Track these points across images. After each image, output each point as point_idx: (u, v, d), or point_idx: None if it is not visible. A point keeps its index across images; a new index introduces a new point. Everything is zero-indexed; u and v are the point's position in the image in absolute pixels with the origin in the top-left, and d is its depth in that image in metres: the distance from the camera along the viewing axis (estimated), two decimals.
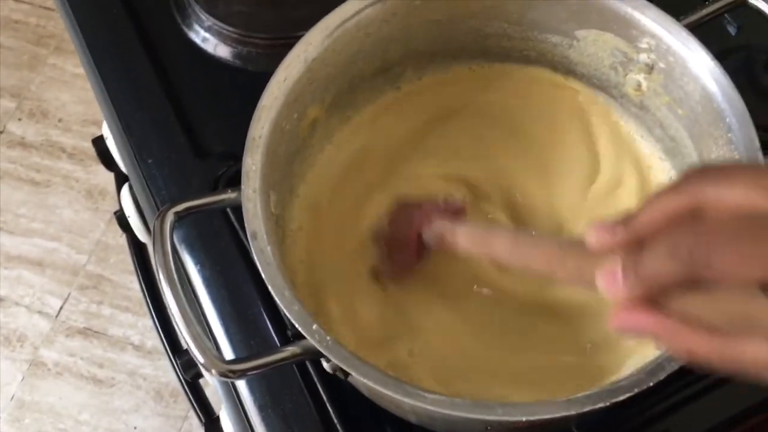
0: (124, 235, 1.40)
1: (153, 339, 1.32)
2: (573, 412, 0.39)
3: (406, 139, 0.57)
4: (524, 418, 0.39)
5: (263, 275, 0.43)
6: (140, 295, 1.33)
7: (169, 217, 0.45)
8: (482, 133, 0.57)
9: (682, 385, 0.52)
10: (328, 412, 0.54)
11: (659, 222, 0.34)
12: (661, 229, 0.33)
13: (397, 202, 0.53)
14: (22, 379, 1.29)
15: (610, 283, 0.34)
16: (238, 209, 0.46)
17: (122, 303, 1.35)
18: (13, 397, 1.28)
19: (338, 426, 0.53)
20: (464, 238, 0.47)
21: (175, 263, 0.44)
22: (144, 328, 1.32)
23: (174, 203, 0.45)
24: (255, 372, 0.42)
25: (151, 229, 0.44)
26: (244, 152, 0.47)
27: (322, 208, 0.54)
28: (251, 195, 0.45)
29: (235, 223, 0.59)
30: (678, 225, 0.33)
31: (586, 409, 0.39)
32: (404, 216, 0.52)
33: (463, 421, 0.43)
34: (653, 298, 0.33)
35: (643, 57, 0.51)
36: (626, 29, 0.51)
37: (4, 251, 1.40)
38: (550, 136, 0.57)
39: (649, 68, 0.52)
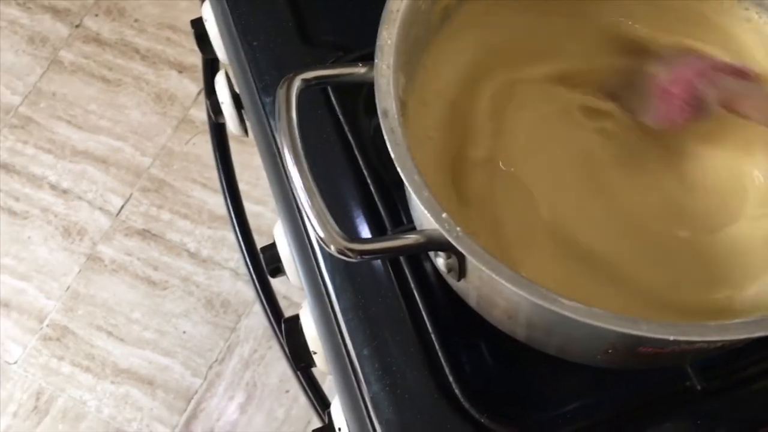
0: (188, 143, 1.40)
1: (208, 248, 1.31)
2: (727, 338, 0.35)
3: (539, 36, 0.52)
4: (672, 338, 0.35)
5: (393, 156, 0.40)
6: (200, 203, 1.33)
7: (296, 83, 0.41)
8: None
9: None
10: (423, 318, 0.51)
11: None
12: None
13: (676, 46, 0.46)
14: (79, 272, 1.30)
15: None
16: (343, 90, 0.42)
17: (182, 210, 1.35)
18: (68, 288, 1.29)
19: (432, 335, 0.50)
20: (759, 104, 0.40)
21: (299, 134, 0.41)
22: (201, 237, 1.32)
23: (302, 69, 0.42)
24: (374, 256, 0.39)
25: (277, 95, 0.41)
26: (380, 24, 0.43)
27: (445, 104, 0.50)
28: (385, 70, 0.42)
29: (336, 105, 0.56)
30: None
31: (742, 336, 0.35)
32: (682, 61, 0.44)
33: (589, 338, 0.40)
34: None
35: None
36: None
37: (70, 145, 1.40)
38: None
39: None
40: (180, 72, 1.46)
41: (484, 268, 0.37)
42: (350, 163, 0.55)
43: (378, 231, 0.53)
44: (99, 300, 1.28)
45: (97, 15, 1.52)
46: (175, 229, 1.33)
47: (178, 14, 1.50)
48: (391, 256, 0.40)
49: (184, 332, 1.26)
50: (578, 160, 0.48)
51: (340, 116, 0.56)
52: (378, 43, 0.43)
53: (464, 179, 0.49)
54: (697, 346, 0.38)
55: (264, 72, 0.61)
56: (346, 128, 0.55)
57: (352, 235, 0.52)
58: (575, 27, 0.52)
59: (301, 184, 0.39)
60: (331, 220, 0.39)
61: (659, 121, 0.46)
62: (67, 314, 1.27)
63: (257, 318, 1.26)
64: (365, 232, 0.53)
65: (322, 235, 0.38)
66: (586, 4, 0.52)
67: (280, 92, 0.42)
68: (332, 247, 0.38)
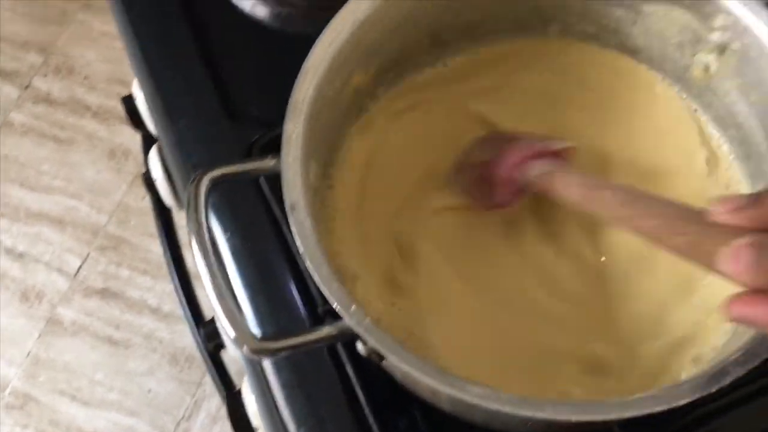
0: (145, 198, 1.39)
1: (170, 303, 1.31)
2: (627, 415, 0.36)
3: (454, 110, 0.54)
4: (574, 419, 0.36)
5: (301, 249, 0.41)
6: (159, 258, 1.32)
7: (205, 183, 0.42)
8: (535, 107, 0.54)
9: (732, 387, 0.50)
10: (357, 395, 0.52)
11: None
12: None
13: (492, 133, 0.50)
14: (39, 337, 1.29)
15: (735, 264, 0.31)
16: (270, 178, 0.44)
17: (141, 265, 1.34)
18: (29, 354, 1.27)
19: (366, 410, 0.51)
20: (568, 183, 0.43)
21: (209, 233, 0.41)
22: (161, 292, 1.31)
23: (209, 168, 0.43)
24: (288, 352, 0.40)
25: (185, 195, 0.42)
26: (286, 116, 0.44)
27: (362, 183, 0.51)
28: (291, 163, 0.43)
29: (267, 192, 0.57)
30: None
31: (642, 412, 0.36)
32: (497, 148, 0.47)
33: (504, 416, 0.41)
34: None
35: (716, 36, 0.48)
36: (699, 5, 0.48)
37: (25, 207, 1.39)
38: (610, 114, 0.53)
39: (722, 49, 0.48)
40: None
41: (392, 359, 0.38)
42: (284, 249, 0.55)
43: (313, 317, 0.53)
44: (60, 364, 1.27)
45: (46, 75, 1.51)
46: (135, 285, 1.33)
47: (127, 69, 1.48)
48: (306, 349, 0.41)
49: (149, 390, 1.25)
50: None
51: (270, 199, 0.56)
52: (284, 135, 0.44)
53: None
54: None
55: (192, 151, 0.61)
56: (277, 214, 0.56)
57: (285, 323, 0.53)
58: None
59: (211, 286, 0.39)
60: (243, 321, 0.39)
61: (490, 205, 0.49)
62: (29, 381, 1.26)
63: (232, 369, 1.26)
64: (300, 318, 0.54)
65: (233, 335, 0.39)
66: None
67: (190, 191, 0.42)
68: (245, 348, 0.39)
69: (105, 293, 1.32)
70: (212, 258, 0.40)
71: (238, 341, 0.39)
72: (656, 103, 0.54)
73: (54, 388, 1.24)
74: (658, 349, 0.46)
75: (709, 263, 0.33)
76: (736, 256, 0.31)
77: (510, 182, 0.47)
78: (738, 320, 0.32)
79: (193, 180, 0.42)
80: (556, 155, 0.47)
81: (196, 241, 0.40)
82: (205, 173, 0.42)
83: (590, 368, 0.45)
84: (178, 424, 1.23)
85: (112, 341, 1.28)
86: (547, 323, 0.47)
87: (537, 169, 0.46)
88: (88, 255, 1.35)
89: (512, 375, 0.46)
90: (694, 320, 0.46)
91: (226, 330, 0.39)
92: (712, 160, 0.51)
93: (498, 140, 0.49)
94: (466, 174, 0.50)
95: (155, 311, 1.31)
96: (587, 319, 0.47)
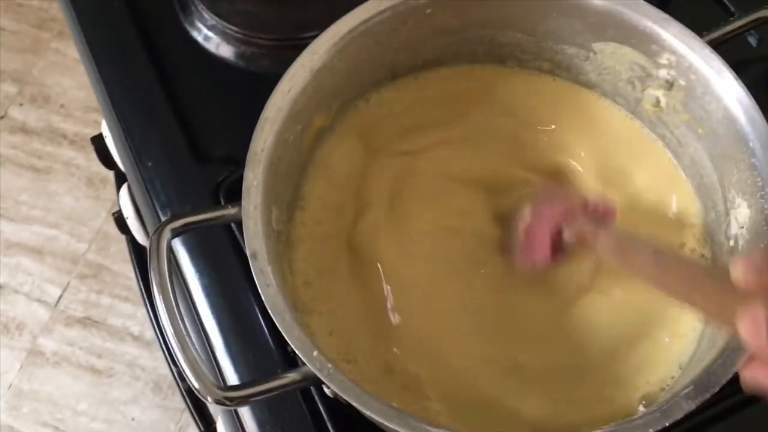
0: None
1: (152, 330, 1.30)
2: None
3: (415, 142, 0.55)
4: None
5: (263, 298, 0.42)
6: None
7: (166, 235, 0.43)
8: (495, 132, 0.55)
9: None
10: None
11: None
12: None
13: (545, 190, 0.51)
14: (20, 368, 1.28)
15: (752, 329, 0.32)
16: (239, 221, 0.44)
17: (122, 293, 1.34)
18: (11, 386, 1.27)
19: None
20: (607, 243, 0.44)
21: (171, 282, 0.42)
22: (143, 319, 1.31)
23: (171, 219, 0.44)
24: (253, 399, 0.41)
25: (148, 245, 0.43)
26: (246, 166, 0.45)
27: (326, 223, 0.52)
28: (252, 212, 0.44)
29: (237, 234, 0.57)
30: None
31: None
32: (548, 207, 0.48)
33: None
34: None
35: (663, 73, 0.49)
36: (646, 44, 0.49)
37: (3, 238, 1.39)
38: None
39: (669, 85, 0.50)
40: None
41: (355, 404, 0.39)
42: (257, 291, 0.56)
43: (286, 358, 0.54)
44: (43, 395, 1.26)
45: (21, 104, 1.51)
46: (117, 313, 1.33)
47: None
48: (271, 395, 0.41)
49: (133, 419, 1.25)
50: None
51: (240, 240, 0.57)
52: (244, 185, 0.44)
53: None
54: None
55: (160, 191, 0.62)
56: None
57: (258, 365, 0.53)
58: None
59: (175, 337, 0.40)
60: (205, 370, 0.40)
61: (525, 264, 0.50)
62: (11, 413, 1.25)
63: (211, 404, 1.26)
64: (273, 359, 0.54)
65: (197, 386, 0.39)
66: None
67: (152, 241, 0.43)
68: (209, 398, 0.39)
69: (86, 322, 1.32)
70: (175, 309, 0.41)
71: (202, 392, 0.39)
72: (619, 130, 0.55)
73: (37, 420, 1.24)
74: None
75: (727, 322, 0.34)
76: (752, 324, 0.32)
77: (552, 239, 0.47)
78: (753, 386, 0.33)
79: (156, 231, 0.43)
80: (603, 215, 0.48)
81: (158, 291, 0.41)
82: (166, 224, 0.43)
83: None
84: None
85: (94, 370, 1.28)
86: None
87: (580, 226, 0.47)
88: (68, 284, 1.35)
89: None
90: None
91: (191, 382, 0.40)
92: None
93: (544, 195, 0.50)
94: (521, 232, 0.50)
95: (137, 339, 1.31)
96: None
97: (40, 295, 1.34)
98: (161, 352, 1.28)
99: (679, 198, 0.53)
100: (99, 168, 1.47)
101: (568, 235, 0.47)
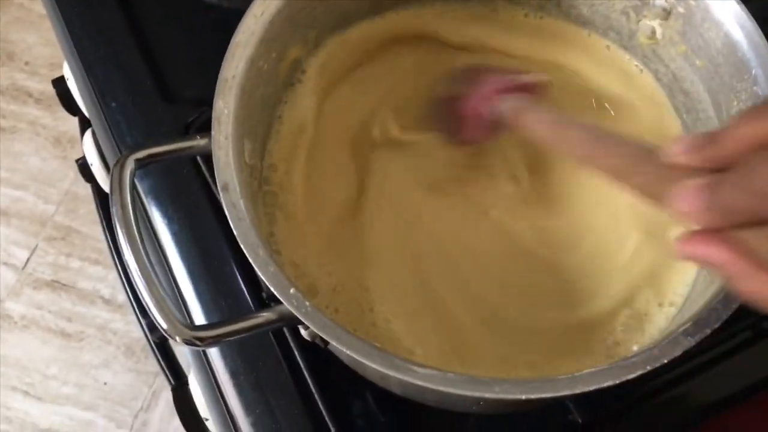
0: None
1: (123, 293, 1.27)
2: (577, 391, 0.35)
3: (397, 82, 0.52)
4: (524, 397, 0.35)
5: (235, 232, 0.39)
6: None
7: (129, 165, 0.40)
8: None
9: (689, 356, 0.49)
10: (306, 380, 0.50)
11: (745, 147, 0.30)
12: (747, 156, 0.30)
13: (467, 66, 0.49)
14: None
15: (687, 203, 0.31)
16: (209, 158, 0.41)
17: (92, 255, 1.30)
18: None
19: (316, 395, 0.49)
20: (538, 119, 0.42)
21: (135, 217, 0.39)
22: (114, 282, 1.28)
23: (134, 149, 0.40)
24: (225, 340, 0.38)
25: (109, 178, 0.39)
26: (215, 94, 0.42)
27: (301, 160, 0.49)
28: (223, 142, 0.41)
29: (206, 174, 0.54)
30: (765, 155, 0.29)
31: (592, 387, 0.35)
32: (471, 82, 0.46)
33: (455, 396, 0.39)
34: (725, 228, 0.30)
35: (660, 1, 0.47)
36: None
37: None
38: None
39: (666, 13, 0.47)
40: None
41: (334, 343, 0.36)
42: (227, 234, 0.53)
43: (259, 302, 0.51)
44: (12, 359, 1.22)
45: None
46: (87, 276, 1.29)
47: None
48: (244, 336, 0.39)
49: (105, 383, 1.22)
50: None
51: (210, 181, 0.54)
52: (214, 114, 0.41)
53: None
54: None
55: (125, 133, 0.58)
56: (217, 192, 0.53)
57: (230, 309, 0.51)
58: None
59: (139, 273, 0.37)
60: (173, 308, 0.37)
61: (465, 140, 0.49)
62: None
63: (182, 359, 1.23)
64: (245, 304, 0.52)
65: (165, 326, 0.36)
66: None
67: (114, 173, 0.40)
68: (177, 338, 0.36)
69: (55, 285, 1.28)
70: (139, 244, 0.38)
71: (170, 332, 0.36)
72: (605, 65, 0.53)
73: (6, 384, 1.20)
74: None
75: (663, 203, 0.33)
76: (688, 196, 0.31)
77: (480, 116, 0.46)
78: (688, 259, 0.32)
79: (117, 162, 0.40)
80: (529, 90, 0.46)
81: (121, 225, 0.38)
82: (129, 154, 0.40)
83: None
84: (137, 416, 1.20)
85: (64, 334, 1.24)
86: (491, 285, 0.46)
87: (508, 103, 0.45)
88: (36, 247, 1.31)
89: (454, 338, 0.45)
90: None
91: (157, 321, 0.37)
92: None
93: (472, 73, 0.48)
94: (439, 108, 0.48)
95: (108, 302, 1.27)
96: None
97: (7, 259, 1.30)
98: (133, 315, 1.26)
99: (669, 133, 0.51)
100: (66, 127, 1.43)
101: (500, 110, 0.45)
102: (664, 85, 0.51)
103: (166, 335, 0.37)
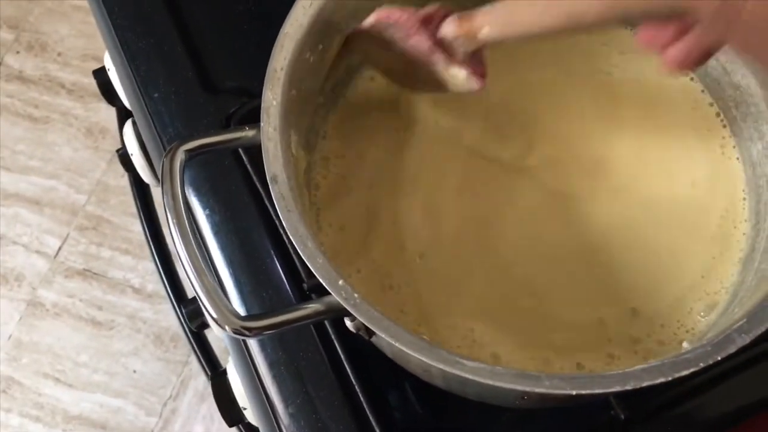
0: (125, 176, 1.35)
1: (153, 283, 1.28)
2: (629, 388, 0.35)
3: None
4: (574, 392, 0.34)
5: (284, 223, 0.39)
6: (141, 237, 1.29)
7: (179, 156, 0.40)
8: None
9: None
10: (346, 370, 0.50)
11: None
12: None
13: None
14: (20, 319, 1.26)
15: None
16: (251, 149, 0.42)
17: (122, 245, 1.31)
18: (10, 337, 1.25)
19: (356, 387, 0.49)
20: (492, 16, 0.41)
21: (185, 203, 0.39)
22: (144, 272, 1.29)
23: (184, 140, 0.41)
24: (272, 331, 0.38)
25: (160, 168, 0.40)
26: (264, 85, 0.42)
27: (350, 153, 0.49)
28: (272, 134, 0.41)
29: (248, 165, 0.54)
30: None
31: (644, 384, 0.35)
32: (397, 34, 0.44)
33: (501, 389, 0.39)
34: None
35: None
36: None
37: (1, 188, 1.35)
38: None
39: None
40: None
41: (383, 335, 0.36)
42: (267, 225, 0.53)
43: (299, 293, 0.52)
44: (43, 346, 1.24)
45: (18, 52, 1.47)
46: (117, 265, 1.30)
47: (101, 44, 1.46)
48: (291, 327, 0.39)
49: (135, 371, 1.23)
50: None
51: (252, 172, 0.54)
52: (263, 105, 0.41)
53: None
54: None
55: (167, 124, 0.59)
56: (259, 188, 0.53)
57: (270, 301, 0.51)
58: None
59: (190, 263, 0.37)
60: (224, 299, 0.37)
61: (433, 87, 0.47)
62: (11, 364, 1.23)
63: (217, 349, 1.24)
64: (286, 295, 0.52)
65: (215, 316, 0.37)
66: None
67: (164, 163, 0.40)
68: (227, 328, 0.37)
69: (86, 274, 1.29)
70: (190, 233, 0.38)
71: (220, 321, 0.37)
72: None
73: (38, 371, 1.22)
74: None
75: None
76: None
77: (430, 39, 0.44)
78: (644, 45, 0.36)
79: (168, 152, 0.40)
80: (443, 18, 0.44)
81: (172, 216, 0.38)
82: (180, 145, 0.40)
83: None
84: (165, 404, 1.21)
85: (95, 322, 1.26)
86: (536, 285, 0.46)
87: (456, 16, 0.43)
88: (67, 235, 1.32)
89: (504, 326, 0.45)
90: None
91: (208, 310, 0.37)
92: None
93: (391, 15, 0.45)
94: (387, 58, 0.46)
95: (138, 291, 1.28)
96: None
97: (39, 247, 1.31)
98: (163, 305, 1.27)
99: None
100: (98, 118, 1.44)
101: (447, 30, 0.43)
102: (712, 78, 0.50)
103: (215, 325, 0.37)
